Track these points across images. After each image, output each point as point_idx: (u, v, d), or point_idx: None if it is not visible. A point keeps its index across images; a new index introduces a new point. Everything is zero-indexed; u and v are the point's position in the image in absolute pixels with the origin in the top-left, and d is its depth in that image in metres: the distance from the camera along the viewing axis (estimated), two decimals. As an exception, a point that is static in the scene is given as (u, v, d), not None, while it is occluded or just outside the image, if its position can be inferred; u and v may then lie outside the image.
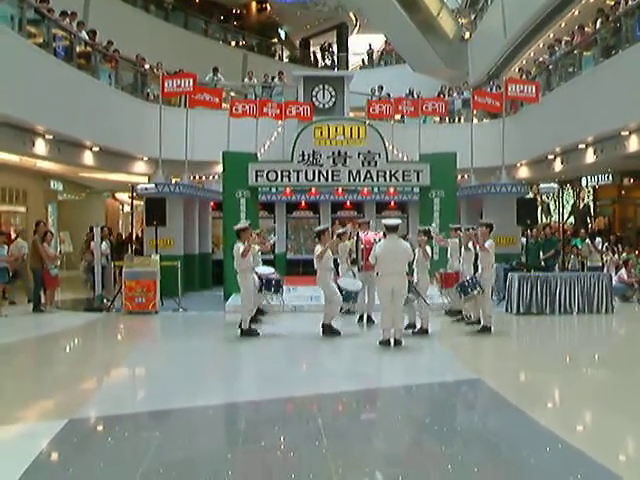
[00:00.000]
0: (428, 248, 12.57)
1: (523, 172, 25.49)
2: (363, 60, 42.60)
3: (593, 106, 18.21)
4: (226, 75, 25.81)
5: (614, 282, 16.27)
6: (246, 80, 26.69)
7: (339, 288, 12.32)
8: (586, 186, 26.06)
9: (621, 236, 22.30)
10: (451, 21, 32.26)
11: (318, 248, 12.07)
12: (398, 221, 11.43)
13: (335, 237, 13.02)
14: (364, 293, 13.34)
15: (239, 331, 11.96)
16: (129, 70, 23.17)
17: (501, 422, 7.08)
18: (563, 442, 6.06)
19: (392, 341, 10.87)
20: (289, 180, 17.80)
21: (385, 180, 17.96)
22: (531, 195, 22.90)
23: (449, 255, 14.37)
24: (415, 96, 24.98)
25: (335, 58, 43.73)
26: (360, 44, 43.20)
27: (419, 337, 11.75)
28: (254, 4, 41.49)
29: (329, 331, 12.01)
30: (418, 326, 12.22)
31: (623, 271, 17.06)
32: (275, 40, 42.22)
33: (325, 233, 12.34)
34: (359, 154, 17.89)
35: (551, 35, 25.27)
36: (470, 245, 13.60)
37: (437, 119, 26.28)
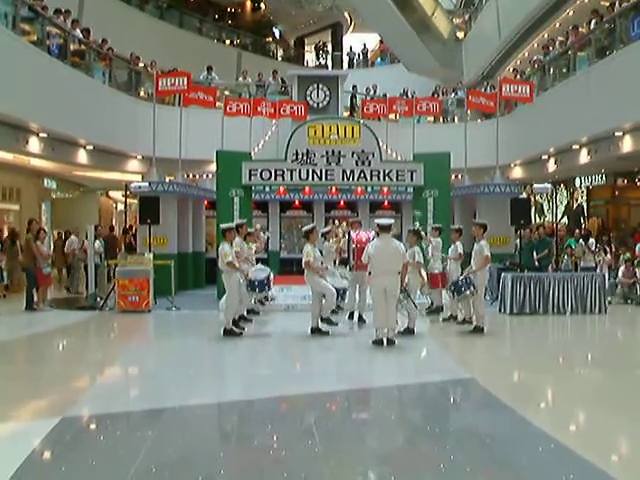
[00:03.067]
0: (418, 250, 12.64)
1: (517, 172, 25.52)
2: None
3: (587, 107, 18.24)
4: (220, 74, 25.82)
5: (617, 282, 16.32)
6: (240, 79, 26.67)
7: None
8: (580, 186, 26.10)
9: (614, 236, 22.31)
10: (446, 21, 32.23)
11: (307, 247, 12.06)
12: (391, 221, 11.42)
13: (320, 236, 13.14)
14: (354, 292, 13.36)
15: (222, 330, 11.95)
16: (123, 68, 23.12)
17: (494, 422, 7.07)
18: (556, 442, 6.07)
19: (385, 340, 10.87)
20: (283, 179, 17.79)
21: (379, 180, 17.95)
22: (525, 195, 22.95)
23: (430, 255, 14.36)
24: (410, 96, 25.01)
25: (329, 57, 43.72)
26: (355, 43, 43.13)
27: (408, 337, 11.71)
28: (249, 3, 41.45)
29: (327, 324, 12.05)
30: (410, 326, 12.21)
31: (621, 270, 17.03)
32: (269, 39, 42.20)
33: (313, 232, 12.34)
34: (353, 153, 17.88)
35: (545, 35, 25.32)
36: (458, 243, 13.71)
37: (431, 119, 26.32)
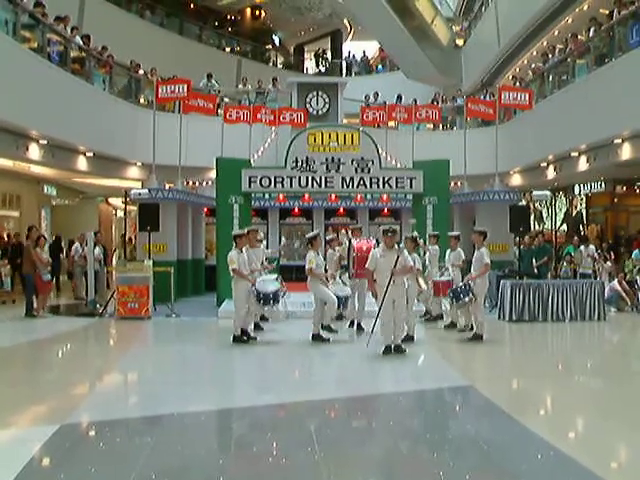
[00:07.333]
0: (417, 257, 12.66)
1: (516, 179, 25.54)
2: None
3: (586, 114, 18.26)
4: (220, 81, 25.89)
5: (607, 292, 16.22)
6: (240, 86, 26.72)
7: None
8: (579, 194, 26.10)
9: (614, 243, 22.35)
10: (445, 28, 32.30)
11: (310, 254, 12.07)
12: (396, 227, 11.41)
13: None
14: (354, 300, 13.32)
15: (232, 337, 11.93)
16: (123, 75, 23.16)
17: (493, 429, 7.08)
18: (555, 450, 6.07)
19: (392, 347, 10.83)
20: (282, 186, 17.80)
21: (378, 187, 17.96)
22: (524, 202, 22.95)
23: (427, 263, 14.36)
24: (413, 102, 25.03)
25: (328, 64, 43.79)
26: (355, 51, 43.22)
27: (407, 344, 11.62)
28: (249, 10, 41.57)
29: (328, 331, 12.11)
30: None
31: (615, 281, 16.94)
32: (269, 46, 42.30)
33: (317, 239, 12.35)
34: (352, 161, 17.90)
35: (545, 43, 25.37)
36: (459, 250, 13.75)
37: (431, 126, 26.35)
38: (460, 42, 32.88)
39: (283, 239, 19.43)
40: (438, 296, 13.78)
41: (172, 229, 18.33)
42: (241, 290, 11.83)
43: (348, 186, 17.92)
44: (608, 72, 17.44)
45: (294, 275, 17.51)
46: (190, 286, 19.44)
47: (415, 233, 13.89)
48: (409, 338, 11.91)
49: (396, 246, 10.90)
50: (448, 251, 14.14)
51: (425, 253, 14.54)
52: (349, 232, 14.67)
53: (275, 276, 12.77)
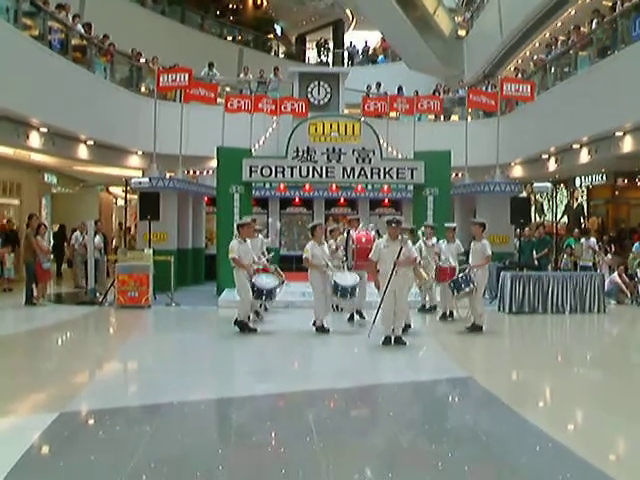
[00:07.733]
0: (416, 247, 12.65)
1: (517, 171, 25.51)
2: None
3: (588, 106, 18.22)
4: (221, 70, 25.78)
5: (607, 285, 16.19)
6: (241, 75, 26.64)
7: (335, 284, 12.14)
8: (580, 186, 26.08)
9: (614, 236, 22.34)
10: (447, 19, 32.22)
11: (308, 244, 12.08)
12: (401, 218, 11.38)
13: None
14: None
15: (234, 324, 11.92)
16: (125, 64, 23.11)
17: (492, 421, 7.09)
18: (554, 441, 6.07)
19: (392, 339, 10.83)
20: (283, 176, 17.78)
21: (379, 177, 17.93)
22: (525, 194, 22.91)
23: (425, 253, 14.29)
24: (413, 93, 24.97)
25: (331, 54, 43.69)
26: (356, 41, 43.10)
27: (406, 334, 11.59)
28: (250, -1, 41.50)
29: (320, 331, 12.03)
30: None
31: (615, 274, 16.93)
32: (271, 36, 42.13)
33: (316, 229, 12.31)
34: (353, 151, 17.87)
35: (547, 35, 25.30)
36: (458, 242, 13.76)
37: (432, 117, 26.28)
38: (462, 33, 32.78)
39: (282, 225, 19.35)
40: (443, 282, 13.57)
41: (172, 218, 18.32)
42: (242, 279, 11.86)
43: (349, 176, 17.89)
44: (610, 64, 17.41)
45: (294, 265, 17.50)
46: (190, 275, 19.45)
47: (416, 226, 13.89)
48: (406, 326, 11.87)
49: (400, 237, 10.88)
50: (441, 241, 14.12)
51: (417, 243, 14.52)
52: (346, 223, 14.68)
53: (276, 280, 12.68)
